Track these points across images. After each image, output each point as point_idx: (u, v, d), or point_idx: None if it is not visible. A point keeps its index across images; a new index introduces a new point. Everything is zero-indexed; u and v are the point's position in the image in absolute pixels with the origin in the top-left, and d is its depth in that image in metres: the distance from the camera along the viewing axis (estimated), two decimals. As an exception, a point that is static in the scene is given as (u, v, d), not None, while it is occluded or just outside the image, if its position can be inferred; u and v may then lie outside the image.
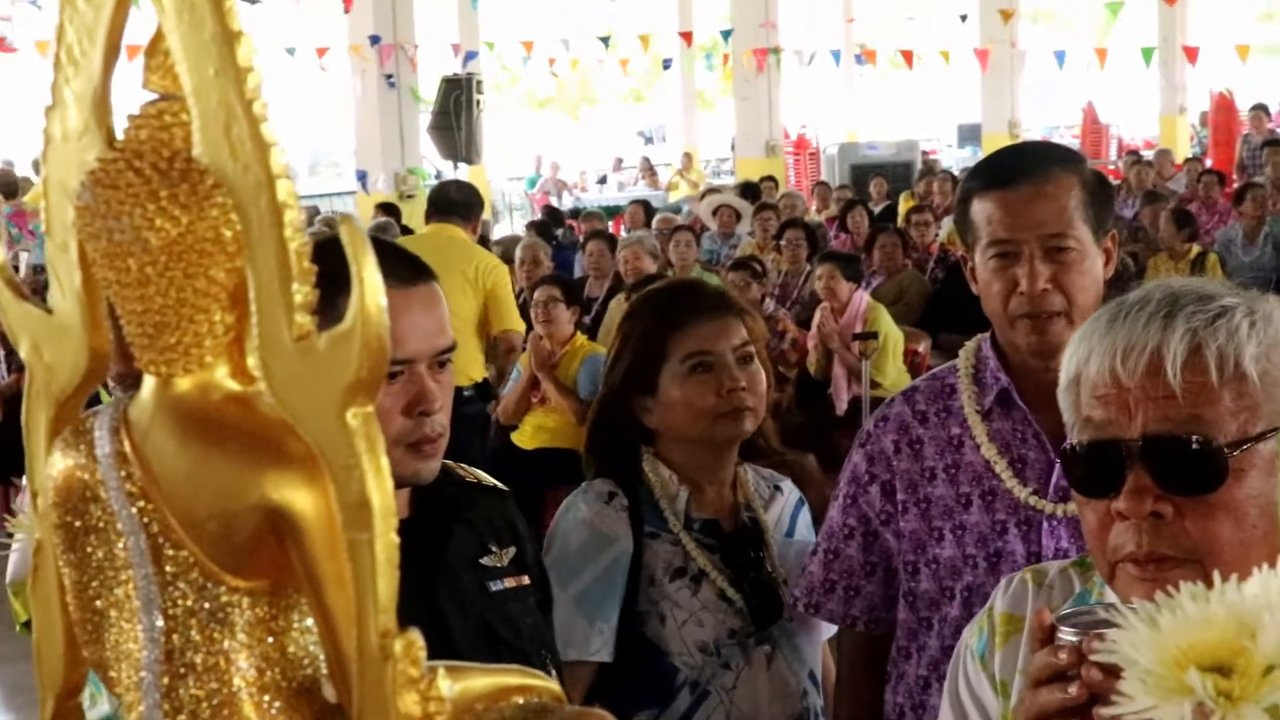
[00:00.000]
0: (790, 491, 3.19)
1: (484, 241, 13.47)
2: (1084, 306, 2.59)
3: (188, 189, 0.81)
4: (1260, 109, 22.66)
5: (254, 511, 0.81)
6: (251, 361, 0.83)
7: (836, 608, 2.84)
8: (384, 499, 0.77)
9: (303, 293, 0.79)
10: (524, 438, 7.98)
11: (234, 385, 0.85)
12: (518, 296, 10.48)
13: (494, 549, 2.51)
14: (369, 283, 0.75)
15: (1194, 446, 1.64)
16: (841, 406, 9.12)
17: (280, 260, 0.79)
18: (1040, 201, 2.59)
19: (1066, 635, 1.50)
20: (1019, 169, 2.65)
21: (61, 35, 0.86)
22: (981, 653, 1.98)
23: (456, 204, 8.81)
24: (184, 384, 0.85)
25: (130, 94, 0.86)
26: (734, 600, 2.94)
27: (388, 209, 15.46)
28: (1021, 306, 2.58)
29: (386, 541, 0.77)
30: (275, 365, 0.80)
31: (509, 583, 2.52)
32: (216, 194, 0.81)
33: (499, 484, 2.63)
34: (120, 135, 0.86)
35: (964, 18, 23.27)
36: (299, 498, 0.80)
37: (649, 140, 37.01)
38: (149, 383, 0.86)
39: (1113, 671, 1.40)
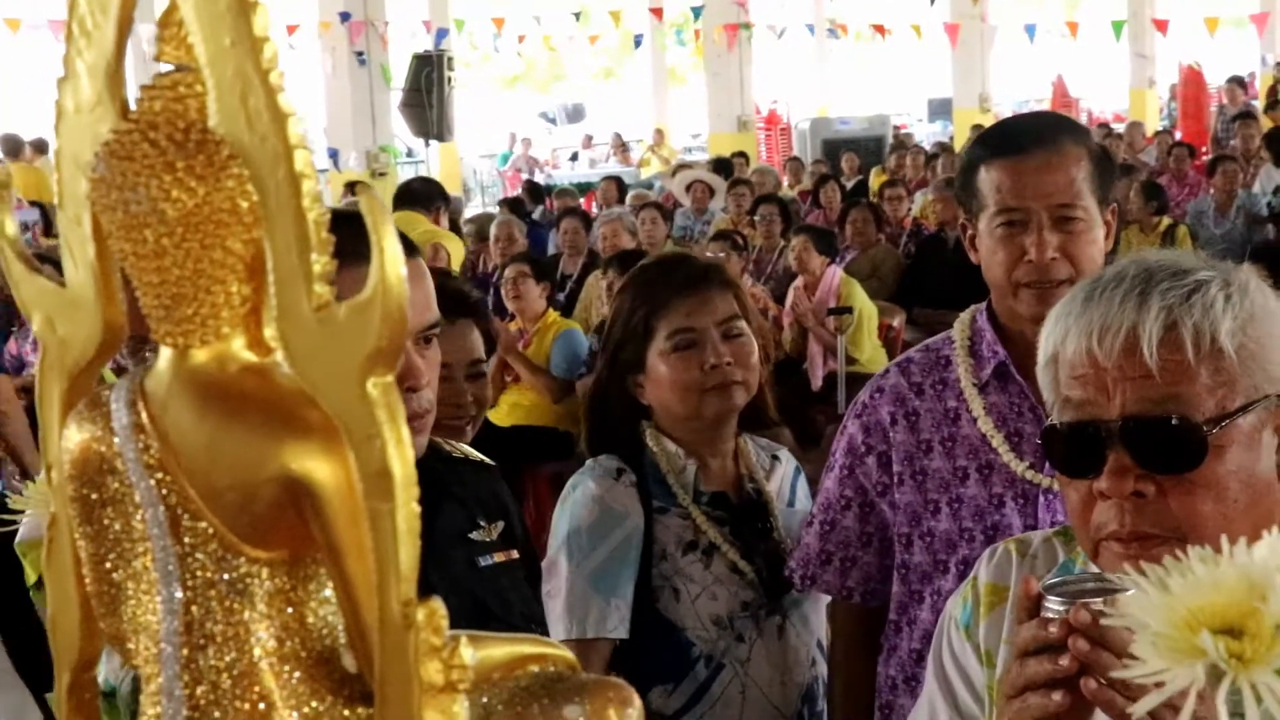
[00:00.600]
0: (788, 461, 3.20)
1: (454, 224, 13.45)
2: (1088, 276, 2.61)
3: (204, 160, 0.81)
4: (1235, 81, 22.71)
5: (273, 482, 0.81)
6: (269, 332, 0.83)
7: (833, 579, 2.85)
8: (405, 468, 0.77)
9: (321, 263, 0.78)
10: (500, 415, 7.97)
11: (251, 356, 0.85)
12: (491, 274, 10.48)
13: (482, 524, 2.52)
14: (389, 252, 0.75)
15: (1173, 425, 1.64)
16: (816, 382, 9.14)
17: (299, 231, 0.79)
18: (1050, 171, 2.60)
19: (1053, 605, 1.51)
20: (1030, 138, 2.65)
21: (74, 7, 0.86)
22: (966, 623, 1.99)
23: (418, 195, 9.39)
24: (201, 355, 0.85)
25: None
26: (745, 572, 2.94)
27: (359, 187, 15.39)
28: (1028, 274, 2.59)
29: (408, 511, 0.77)
30: (294, 336, 0.79)
31: (498, 557, 2.52)
32: (233, 165, 0.81)
33: (485, 459, 2.63)
34: (133, 107, 0.85)
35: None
36: (319, 468, 0.80)
37: (552, 121, 35.98)
38: (165, 354, 0.86)
39: (1100, 642, 1.42)
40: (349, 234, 0.85)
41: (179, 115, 0.83)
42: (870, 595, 2.84)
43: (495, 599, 2.43)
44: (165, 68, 0.85)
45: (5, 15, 18.74)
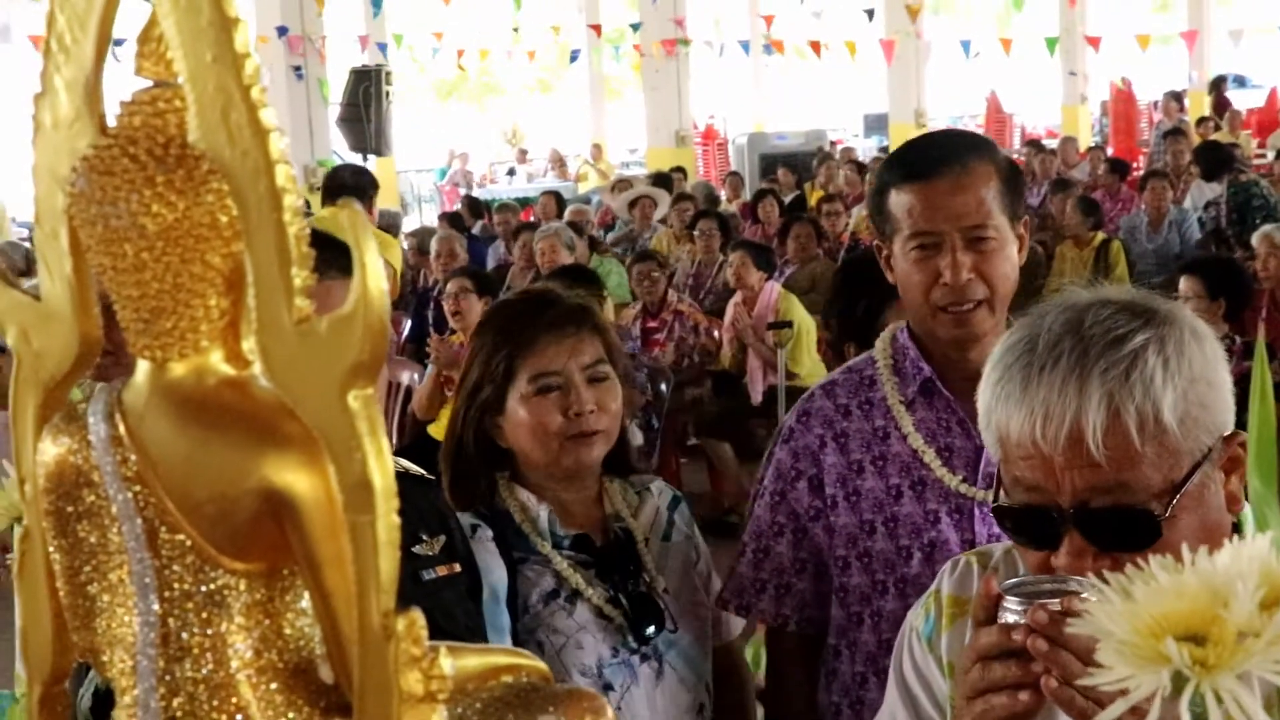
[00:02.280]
0: (661, 491, 3.05)
1: (392, 232, 13.39)
2: (1004, 295, 2.62)
3: (184, 175, 0.82)
4: (1173, 95, 22.96)
5: (253, 494, 0.81)
6: (247, 345, 0.83)
7: (769, 607, 2.80)
8: (385, 480, 0.78)
9: (301, 277, 0.79)
10: (440, 429, 7.94)
11: (229, 369, 0.85)
12: (432, 289, 10.44)
13: (425, 537, 2.52)
14: (370, 266, 0.76)
15: (1125, 513, 1.65)
16: (757, 397, 9.17)
17: (279, 245, 0.79)
18: (960, 193, 2.59)
19: (1012, 606, 1.53)
20: (937, 160, 2.63)
21: (52, 23, 0.86)
22: (928, 634, 1.99)
23: (349, 188, 8.85)
24: (179, 368, 0.85)
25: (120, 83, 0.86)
26: (613, 617, 2.80)
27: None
28: (945, 297, 2.59)
29: (388, 522, 0.78)
30: (275, 348, 0.80)
31: (441, 571, 2.52)
32: (212, 179, 0.82)
33: (425, 473, 2.63)
34: (112, 123, 0.86)
35: (870, 14, 23.42)
36: (298, 480, 0.81)
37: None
38: (144, 367, 0.86)
39: (1059, 642, 1.44)
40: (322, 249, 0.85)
41: (159, 130, 0.83)
42: (806, 622, 2.79)
43: (440, 612, 2.42)
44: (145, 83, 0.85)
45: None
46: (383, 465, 0.78)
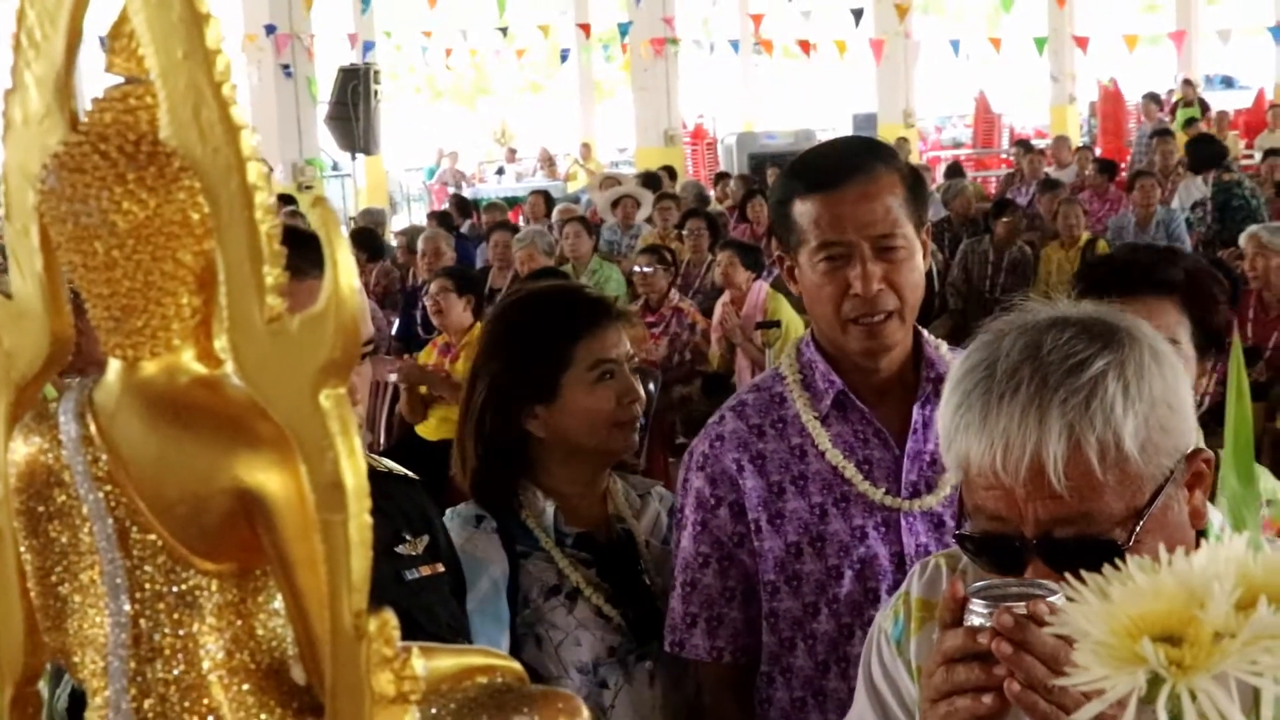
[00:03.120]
0: (662, 497, 3.06)
1: (379, 231, 13.38)
2: (913, 305, 2.58)
3: (155, 172, 0.81)
4: (1150, 98, 23.00)
5: (225, 494, 0.81)
6: (219, 344, 0.83)
7: (701, 642, 2.70)
8: (357, 480, 0.78)
9: (274, 275, 0.79)
10: (429, 429, 7.95)
11: (201, 368, 0.85)
12: (420, 288, 10.43)
13: (408, 537, 2.51)
14: (342, 264, 0.75)
15: (1088, 544, 1.63)
16: (744, 396, 9.15)
17: (251, 243, 0.79)
18: (867, 202, 2.54)
19: (978, 609, 1.52)
20: (843, 169, 2.58)
21: (22, 18, 0.86)
22: (897, 638, 1.98)
23: None
24: (151, 367, 0.84)
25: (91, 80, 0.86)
26: (612, 616, 2.80)
27: (285, 200, 15.29)
28: (856, 309, 2.54)
29: (360, 522, 0.78)
30: (246, 347, 0.80)
31: (424, 571, 2.51)
32: (184, 177, 0.81)
33: (409, 473, 2.62)
34: (83, 119, 0.85)
35: (858, 14, 23.43)
36: (270, 480, 0.80)
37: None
38: (114, 366, 0.85)
39: (1024, 645, 1.43)
40: (296, 248, 0.85)
41: (130, 127, 0.83)
42: (741, 652, 2.69)
43: (422, 612, 2.42)
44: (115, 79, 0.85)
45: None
46: (355, 465, 0.77)
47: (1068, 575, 1.18)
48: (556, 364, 2.85)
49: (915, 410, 2.63)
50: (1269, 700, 0.85)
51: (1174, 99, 24.50)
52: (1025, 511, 1.65)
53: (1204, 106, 24.10)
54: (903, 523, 2.58)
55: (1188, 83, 25.33)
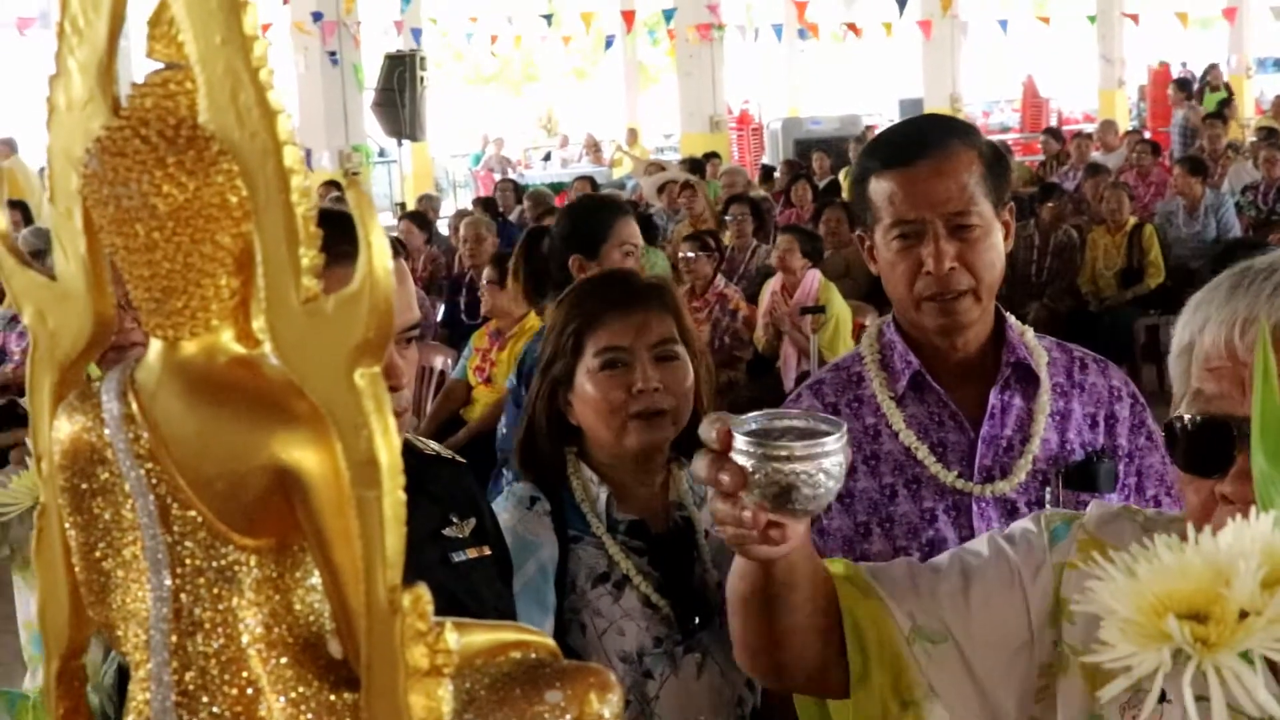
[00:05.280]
0: None
1: (428, 220, 13.37)
2: (990, 284, 2.57)
3: (194, 155, 0.83)
4: (1179, 84, 22.75)
5: (262, 471, 0.82)
6: (257, 325, 0.84)
7: None
8: (391, 456, 0.79)
9: (309, 256, 0.80)
10: (473, 413, 7.98)
11: (239, 348, 0.86)
12: (465, 275, 10.45)
13: (455, 520, 2.53)
14: (376, 245, 0.77)
15: None
16: (789, 383, 9.17)
17: (287, 225, 0.80)
18: (941, 179, 2.54)
19: (740, 445, 1.55)
20: (919, 145, 2.58)
21: (66, 6, 0.87)
22: (1056, 535, 1.86)
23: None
24: (190, 347, 0.86)
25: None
26: (659, 606, 2.79)
27: (332, 185, 15.35)
28: (929, 287, 2.54)
29: (394, 499, 0.79)
30: (283, 328, 0.81)
31: (471, 554, 2.53)
32: (222, 160, 0.83)
33: (458, 457, 2.65)
34: (124, 104, 0.87)
35: (903, 1, 23.34)
36: (306, 457, 0.82)
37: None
38: (155, 346, 0.87)
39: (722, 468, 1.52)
40: (335, 233, 0.86)
41: (170, 112, 0.84)
42: None
43: (468, 594, 2.44)
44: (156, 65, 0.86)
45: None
46: (389, 442, 0.79)
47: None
48: (571, 351, 2.87)
49: (993, 394, 2.62)
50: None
51: (1202, 82, 24.20)
52: (1250, 390, 1.54)
53: (1229, 90, 23.82)
54: (974, 507, 2.57)
55: (1214, 67, 25.05)
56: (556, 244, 4.80)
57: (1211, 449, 1.57)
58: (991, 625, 1.82)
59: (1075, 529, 1.85)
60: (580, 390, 2.84)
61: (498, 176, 25.26)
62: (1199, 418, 1.59)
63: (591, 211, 5.06)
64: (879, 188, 2.59)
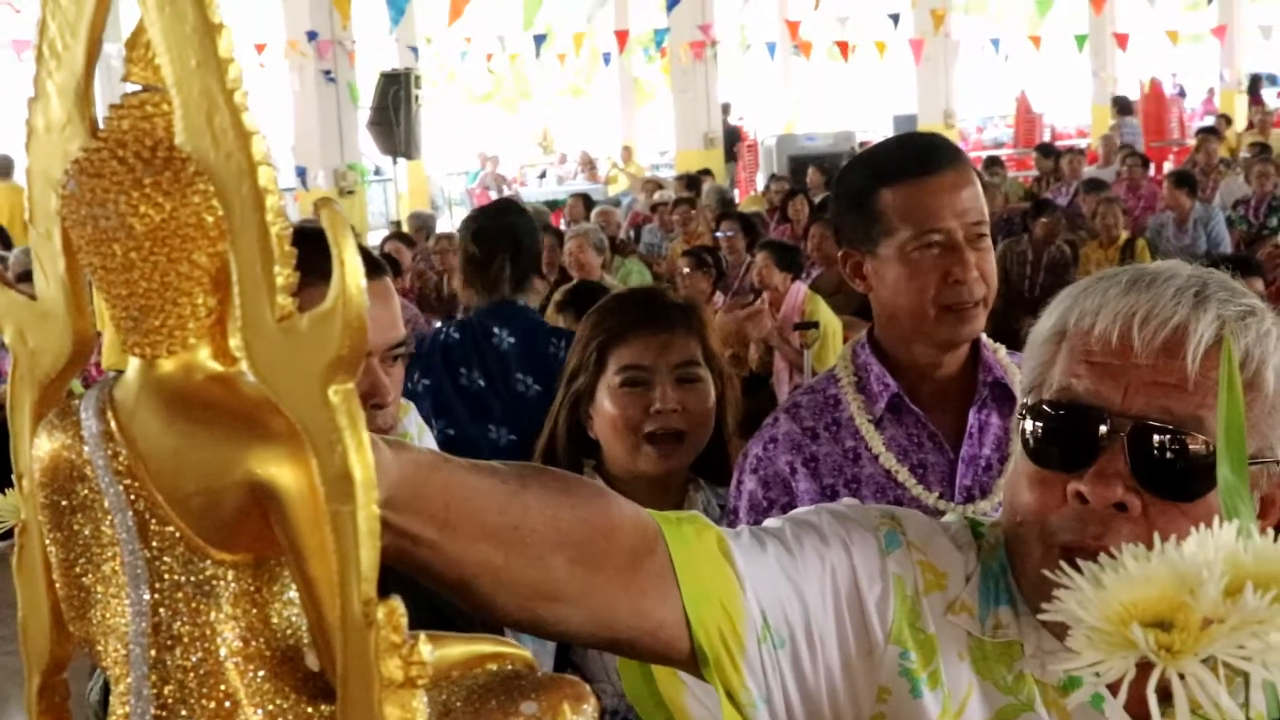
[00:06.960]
0: None
1: (425, 234, 13.34)
2: (992, 296, 2.59)
3: (170, 176, 0.84)
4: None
5: (239, 487, 0.84)
6: (234, 342, 0.86)
7: None
8: (365, 472, 0.80)
9: (284, 275, 0.81)
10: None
11: (216, 366, 0.88)
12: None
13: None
14: (349, 264, 0.78)
15: (1193, 447, 1.45)
16: (783, 398, 9.17)
17: (262, 244, 0.82)
18: (961, 189, 2.56)
19: None
20: (934, 157, 2.59)
21: (44, 30, 0.89)
22: (889, 542, 1.63)
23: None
24: (168, 365, 0.87)
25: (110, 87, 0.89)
26: None
27: (319, 201, 15.30)
28: (954, 296, 2.53)
29: (368, 513, 0.80)
30: (258, 345, 0.82)
31: None
32: (198, 181, 0.84)
33: None
34: (102, 126, 0.88)
35: (895, 19, 23.38)
36: (282, 473, 0.83)
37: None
38: (134, 364, 0.88)
39: None
40: (311, 251, 0.88)
41: (147, 133, 0.85)
42: None
43: (453, 605, 2.44)
44: (133, 87, 0.88)
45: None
46: (363, 457, 0.80)
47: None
48: (596, 365, 2.88)
49: (971, 414, 2.63)
50: (1256, 684, 0.87)
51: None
52: (1133, 391, 1.46)
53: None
54: None
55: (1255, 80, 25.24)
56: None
57: (1073, 441, 1.49)
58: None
59: (906, 548, 1.62)
60: (600, 405, 2.86)
61: (493, 194, 25.28)
62: (1069, 403, 1.51)
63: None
64: (892, 200, 2.58)
